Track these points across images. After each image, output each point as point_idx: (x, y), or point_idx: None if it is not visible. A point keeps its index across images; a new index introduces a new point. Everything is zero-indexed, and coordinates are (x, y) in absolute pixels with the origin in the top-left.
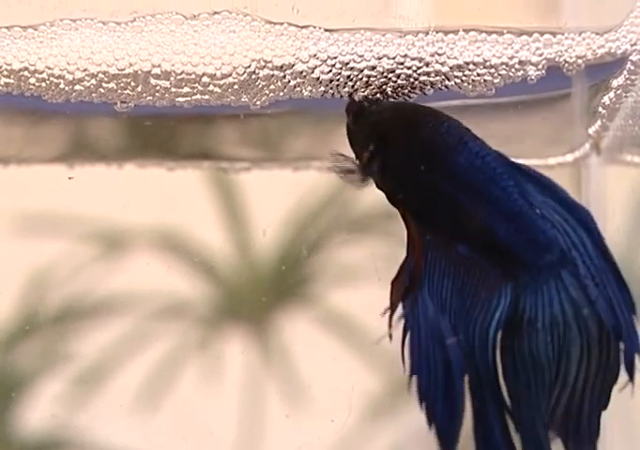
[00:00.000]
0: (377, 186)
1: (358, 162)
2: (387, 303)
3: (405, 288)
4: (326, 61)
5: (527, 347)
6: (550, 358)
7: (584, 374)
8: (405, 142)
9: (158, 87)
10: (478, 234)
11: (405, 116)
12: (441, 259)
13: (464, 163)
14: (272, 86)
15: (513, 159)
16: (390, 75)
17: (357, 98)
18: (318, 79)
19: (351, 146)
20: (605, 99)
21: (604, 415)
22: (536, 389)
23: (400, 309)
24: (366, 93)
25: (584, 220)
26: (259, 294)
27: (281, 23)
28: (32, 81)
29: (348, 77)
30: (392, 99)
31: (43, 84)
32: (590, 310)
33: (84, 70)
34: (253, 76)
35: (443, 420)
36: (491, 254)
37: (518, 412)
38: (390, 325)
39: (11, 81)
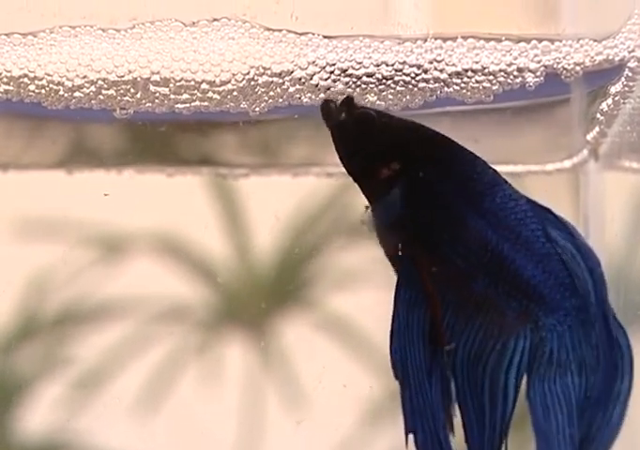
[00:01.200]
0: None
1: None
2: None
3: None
4: (324, 68)
5: (561, 388)
6: (580, 401)
7: (602, 417)
8: (438, 171)
9: (157, 94)
10: (502, 272)
11: (435, 144)
12: (450, 295)
13: (499, 203)
14: (271, 93)
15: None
16: (389, 82)
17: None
18: (317, 85)
19: (346, 154)
20: (603, 106)
21: None
22: (566, 428)
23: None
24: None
25: (593, 269)
26: (258, 298)
27: (280, 30)
28: (31, 87)
29: (347, 84)
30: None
31: (43, 91)
32: (612, 355)
33: (84, 77)
34: (252, 83)
35: None
36: (513, 293)
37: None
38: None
39: (11, 87)
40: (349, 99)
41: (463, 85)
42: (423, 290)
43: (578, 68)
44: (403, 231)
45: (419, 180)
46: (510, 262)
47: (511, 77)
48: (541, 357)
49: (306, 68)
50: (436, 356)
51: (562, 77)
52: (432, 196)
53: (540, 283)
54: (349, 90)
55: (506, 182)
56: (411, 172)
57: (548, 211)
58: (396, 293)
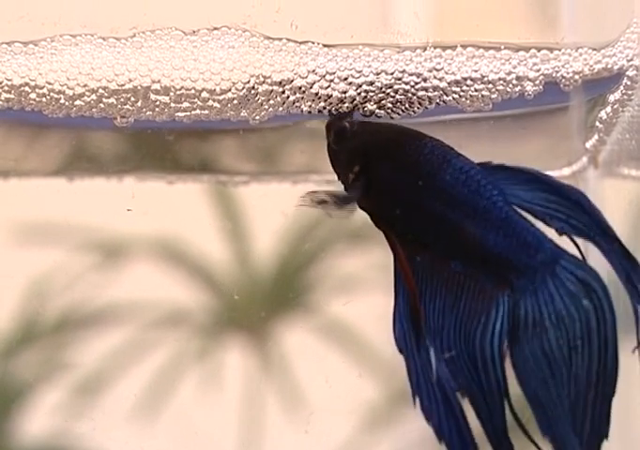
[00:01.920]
0: (362, 208)
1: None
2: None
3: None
4: (324, 76)
5: (540, 347)
6: (563, 353)
7: (587, 365)
8: (390, 163)
9: (157, 102)
10: (469, 248)
11: (389, 138)
12: (432, 279)
13: (449, 180)
14: (271, 101)
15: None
16: (389, 90)
17: (336, 114)
18: (317, 94)
19: (333, 166)
20: (602, 114)
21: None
22: (556, 387)
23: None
24: (346, 109)
25: (579, 201)
26: (259, 304)
27: (280, 39)
28: (32, 96)
29: (346, 92)
30: (377, 117)
31: (44, 100)
32: (589, 301)
33: (85, 86)
34: (252, 91)
35: (451, 438)
36: (485, 265)
37: (542, 415)
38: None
39: (12, 96)
40: (340, 116)
41: (462, 94)
42: (401, 274)
43: (577, 77)
44: (385, 225)
45: (374, 174)
46: (472, 235)
47: (511, 85)
48: (517, 321)
49: (306, 77)
50: (420, 334)
51: (561, 85)
52: (389, 189)
53: (504, 249)
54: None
55: (458, 156)
56: (368, 170)
57: (504, 168)
58: (395, 283)
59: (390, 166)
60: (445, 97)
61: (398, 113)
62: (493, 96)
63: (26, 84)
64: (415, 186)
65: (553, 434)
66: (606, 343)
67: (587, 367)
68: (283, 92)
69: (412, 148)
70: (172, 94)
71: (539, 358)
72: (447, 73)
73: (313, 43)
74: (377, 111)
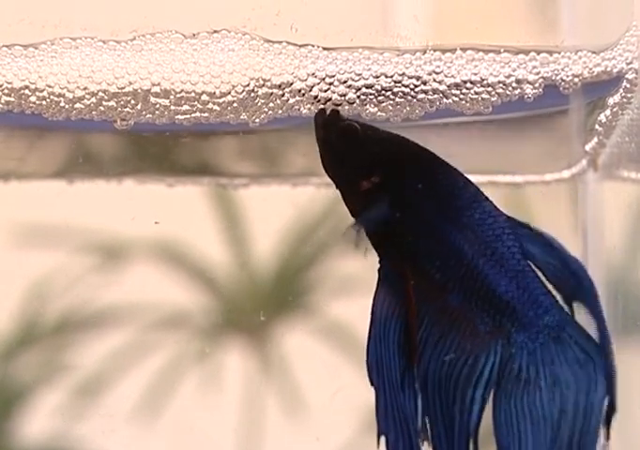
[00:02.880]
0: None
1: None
2: None
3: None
4: (324, 79)
5: (529, 404)
6: (553, 415)
7: (570, 432)
8: (420, 185)
9: (157, 105)
10: (475, 286)
11: (418, 159)
12: (422, 306)
13: (477, 219)
14: (271, 104)
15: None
16: (388, 93)
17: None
18: (316, 97)
19: (332, 166)
20: (602, 117)
21: None
22: (534, 446)
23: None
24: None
25: (581, 279)
26: (258, 306)
27: (280, 42)
28: (32, 99)
29: (345, 95)
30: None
31: (44, 103)
32: (586, 373)
33: (85, 89)
34: (252, 94)
35: None
36: (485, 308)
37: None
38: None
39: (12, 99)
40: (335, 112)
41: (462, 97)
42: (404, 301)
43: (576, 80)
44: (386, 243)
45: (400, 195)
46: (484, 276)
47: (510, 88)
48: (509, 374)
49: (305, 80)
50: (409, 366)
51: (561, 88)
52: (412, 211)
53: (513, 299)
54: (352, 103)
55: (486, 199)
56: (392, 186)
57: (527, 227)
58: (374, 303)
59: (419, 189)
60: (445, 99)
61: (398, 116)
62: (492, 99)
63: (26, 87)
64: (443, 216)
65: None
66: (591, 417)
67: (570, 433)
68: (283, 95)
69: (445, 177)
70: (172, 97)
71: (524, 414)
72: (446, 76)
73: (313, 46)
74: (379, 113)
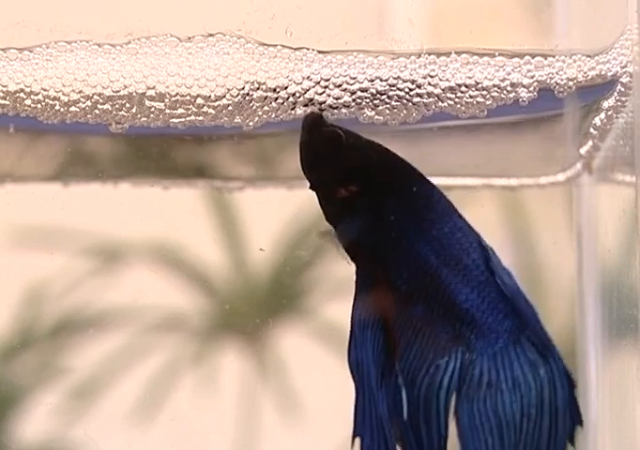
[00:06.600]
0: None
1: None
2: None
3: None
4: (319, 83)
5: (492, 407)
6: (515, 418)
7: (538, 435)
8: (398, 197)
9: (152, 109)
10: (438, 296)
11: (397, 169)
12: (394, 318)
13: (447, 233)
14: (266, 108)
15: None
16: (383, 97)
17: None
18: (311, 100)
19: (311, 169)
20: (596, 120)
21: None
22: (501, 449)
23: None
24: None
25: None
26: (254, 308)
27: (275, 46)
28: (28, 102)
29: (340, 98)
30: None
31: (39, 106)
32: (545, 373)
33: (80, 92)
34: (247, 98)
35: None
36: (446, 317)
37: None
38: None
39: (7, 102)
40: (318, 115)
41: (457, 100)
42: (380, 308)
43: (571, 84)
44: (359, 251)
45: (377, 206)
46: (446, 285)
47: (505, 92)
48: (470, 379)
49: (300, 83)
50: (385, 372)
51: (555, 92)
52: (386, 222)
53: (472, 307)
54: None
55: (459, 215)
56: (369, 197)
57: (492, 251)
58: (352, 309)
59: (397, 200)
60: (440, 103)
61: (395, 120)
62: (487, 102)
63: (21, 91)
64: (415, 229)
65: None
66: (557, 417)
67: (538, 436)
68: (278, 98)
69: (421, 190)
70: (167, 100)
71: (488, 418)
72: (441, 80)
73: (308, 49)
74: (377, 117)
